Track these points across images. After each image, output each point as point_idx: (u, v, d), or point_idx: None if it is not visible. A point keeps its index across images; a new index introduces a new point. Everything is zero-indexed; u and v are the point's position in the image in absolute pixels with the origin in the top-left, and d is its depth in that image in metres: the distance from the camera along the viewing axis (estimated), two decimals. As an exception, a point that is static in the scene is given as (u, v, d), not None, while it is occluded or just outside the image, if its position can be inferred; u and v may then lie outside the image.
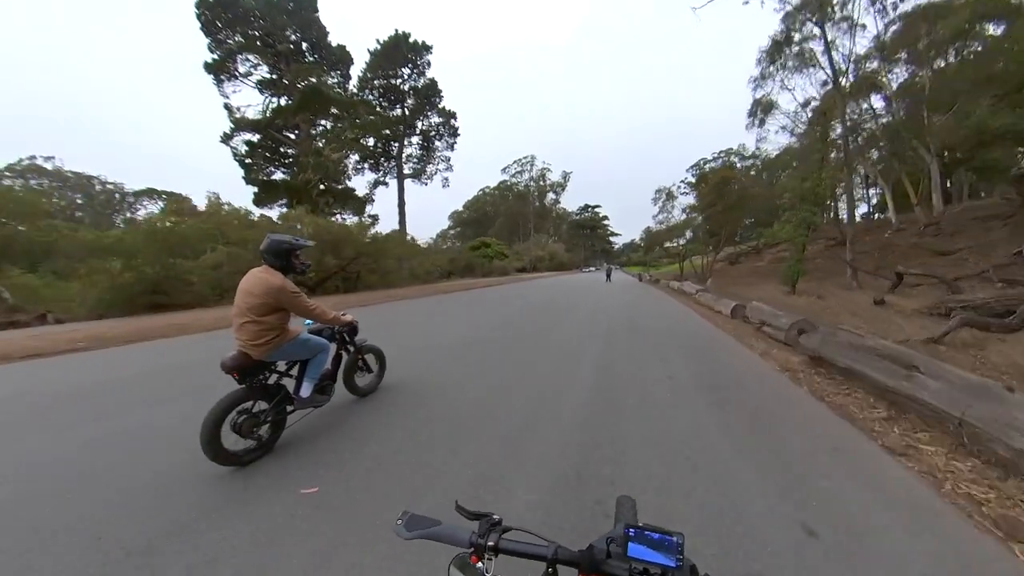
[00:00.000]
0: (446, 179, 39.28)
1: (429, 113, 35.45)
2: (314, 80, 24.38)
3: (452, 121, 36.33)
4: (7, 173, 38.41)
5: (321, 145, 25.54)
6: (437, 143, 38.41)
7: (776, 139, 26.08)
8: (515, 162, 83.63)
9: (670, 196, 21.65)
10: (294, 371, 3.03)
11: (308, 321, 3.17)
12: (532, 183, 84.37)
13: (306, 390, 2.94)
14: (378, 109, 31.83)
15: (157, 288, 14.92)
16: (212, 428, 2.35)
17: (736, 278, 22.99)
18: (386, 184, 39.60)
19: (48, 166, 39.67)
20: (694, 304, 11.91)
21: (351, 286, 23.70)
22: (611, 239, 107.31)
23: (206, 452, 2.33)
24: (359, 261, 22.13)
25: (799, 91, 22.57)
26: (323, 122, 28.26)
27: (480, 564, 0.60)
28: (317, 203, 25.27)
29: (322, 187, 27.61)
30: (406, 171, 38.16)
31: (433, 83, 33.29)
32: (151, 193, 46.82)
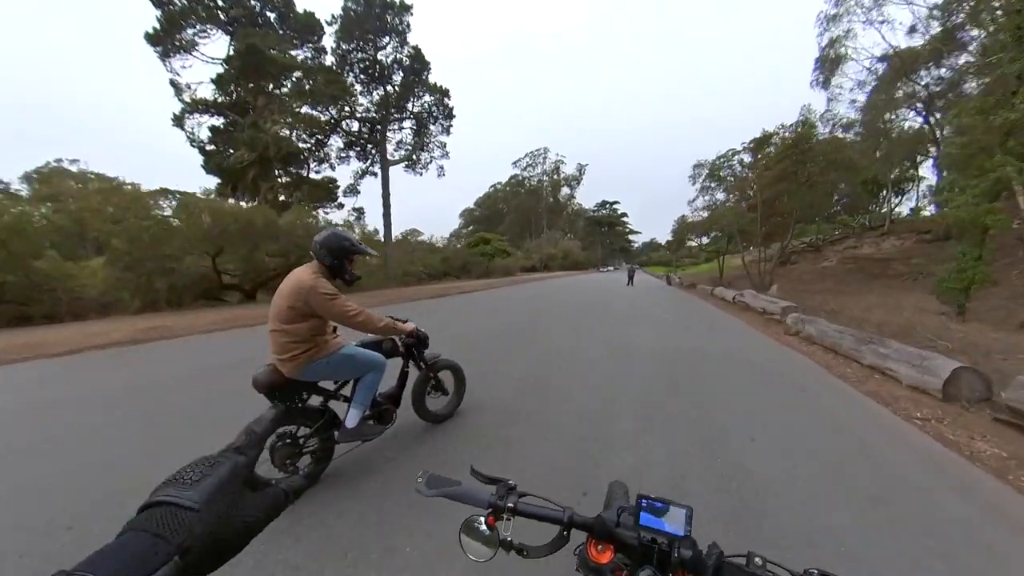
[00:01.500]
0: (441, 167, 34.59)
1: (419, 92, 30.87)
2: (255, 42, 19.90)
3: (446, 100, 31.60)
4: (34, 175, 36.96)
5: (266, 118, 21.14)
6: (431, 127, 33.84)
7: (851, 98, 20.22)
8: (527, 155, 78.43)
9: (715, 171, 16.00)
10: (348, 389, 2.39)
11: None
12: (545, 177, 79.03)
13: (351, 419, 2.29)
14: (355, 85, 27.40)
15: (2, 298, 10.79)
16: None
17: (804, 283, 17.22)
18: (375, 174, 35.39)
19: (73, 168, 38.21)
20: (795, 341, 6.61)
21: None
22: (630, 237, 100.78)
23: None
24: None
25: (887, 28, 16.49)
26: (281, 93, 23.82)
27: (494, 525, 0.61)
28: (257, 187, 20.82)
29: (277, 171, 23.17)
30: (397, 158, 33.76)
31: (418, 52, 28.58)
32: (164, 193, 44.54)
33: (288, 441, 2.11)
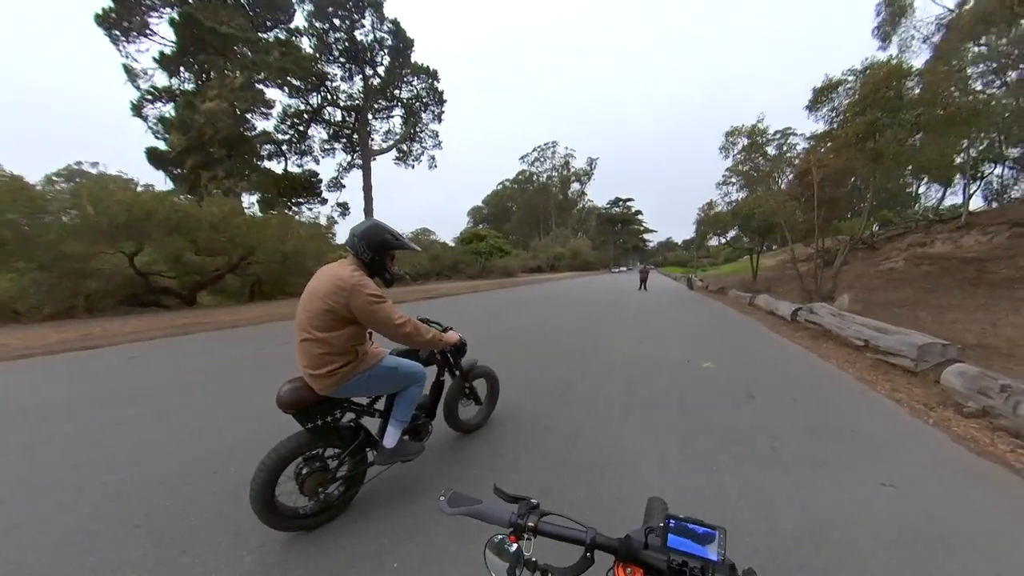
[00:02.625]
0: (432, 158, 31.59)
1: (406, 75, 27.87)
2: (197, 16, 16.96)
3: (435, 84, 28.50)
4: (55, 177, 36.05)
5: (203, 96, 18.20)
6: (423, 115, 30.85)
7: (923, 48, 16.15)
8: (534, 149, 74.82)
9: (755, 137, 12.05)
10: (381, 403, 2.12)
11: None
12: (554, 172, 75.29)
13: (391, 438, 2.00)
14: (335, 70, 24.48)
15: None
16: (264, 485, 1.67)
17: (869, 290, 13.27)
18: (359, 167, 32.69)
19: (93, 171, 37.31)
20: (1008, 454, 3.05)
21: (256, 294, 16.77)
22: (645, 236, 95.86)
23: (258, 514, 1.69)
24: (250, 260, 14.93)
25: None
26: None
27: (517, 545, 0.60)
28: (197, 177, 17.93)
29: (233, 161, 20.27)
30: (383, 147, 30.91)
31: (398, 27, 25.48)
32: (175, 193, 43.21)
33: (318, 466, 1.81)
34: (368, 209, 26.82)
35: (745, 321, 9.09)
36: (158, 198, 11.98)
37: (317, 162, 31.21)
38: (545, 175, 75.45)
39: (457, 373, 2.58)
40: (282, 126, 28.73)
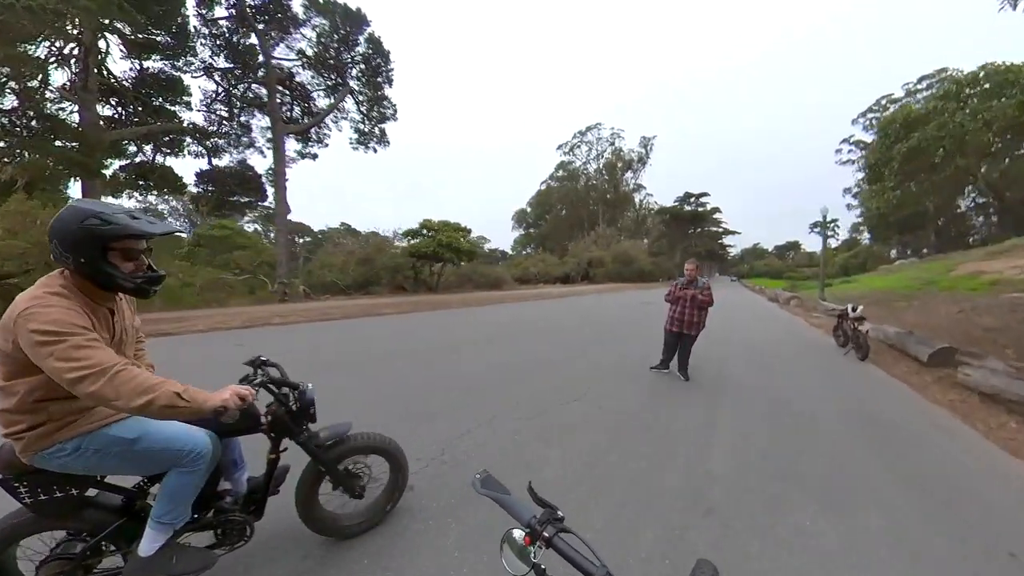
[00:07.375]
0: (383, 132, 24.52)
1: (346, 35, 21.23)
2: None
3: (366, 29, 21.27)
4: None
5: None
6: (379, 79, 24.09)
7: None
8: (575, 134, 64.03)
9: None
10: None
11: None
12: (600, 159, 63.53)
13: (147, 544, 1.29)
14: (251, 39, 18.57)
15: None
16: None
17: None
18: (314, 157, 27.17)
19: None
20: None
21: None
22: (724, 240, 76.47)
23: None
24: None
25: None
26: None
27: (529, 547, 0.59)
28: None
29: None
30: (295, 123, 24.85)
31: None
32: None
33: (59, 551, 1.31)
34: (280, 198, 20.64)
35: None
36: None
37: (263, 154, 26.50)
38: (591, 166, 64.12)
39: (313, 449, 1.63)
40: (213, 116, 24.41)
